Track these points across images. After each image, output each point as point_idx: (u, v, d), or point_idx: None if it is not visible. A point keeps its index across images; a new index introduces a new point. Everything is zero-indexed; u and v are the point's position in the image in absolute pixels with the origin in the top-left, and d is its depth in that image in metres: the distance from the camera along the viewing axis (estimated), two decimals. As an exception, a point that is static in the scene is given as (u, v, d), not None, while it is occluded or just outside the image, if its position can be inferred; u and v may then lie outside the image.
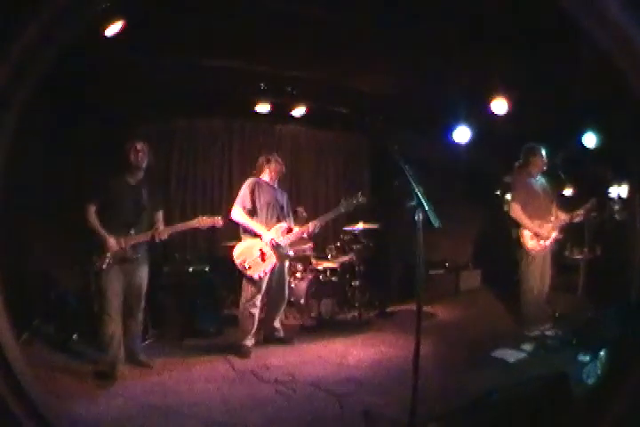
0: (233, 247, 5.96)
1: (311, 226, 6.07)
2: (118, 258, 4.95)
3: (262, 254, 5.82)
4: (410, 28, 5.50)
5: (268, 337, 6.30)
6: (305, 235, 6.22)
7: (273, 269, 5.98)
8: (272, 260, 5.87)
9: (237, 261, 5.84)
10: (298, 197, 9.08)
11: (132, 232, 5.02)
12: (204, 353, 5.88)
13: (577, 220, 6.30)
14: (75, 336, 5.88)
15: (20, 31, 1.75)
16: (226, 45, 5.91)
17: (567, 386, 3.76)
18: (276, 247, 5.88)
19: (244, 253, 5.84)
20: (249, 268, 5.79)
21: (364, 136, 9.75)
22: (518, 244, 6.24)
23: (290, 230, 6.11)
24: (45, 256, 6.22)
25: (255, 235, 5.87)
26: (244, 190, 5.97)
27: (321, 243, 8.26)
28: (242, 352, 5.80)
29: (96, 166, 6.00)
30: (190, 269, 6.99)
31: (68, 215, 5.31)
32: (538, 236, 6.13)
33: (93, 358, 5.26)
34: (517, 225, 6.22)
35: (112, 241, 4.92)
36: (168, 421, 4.14)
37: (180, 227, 5.28)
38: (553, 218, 6.24)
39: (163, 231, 5.11)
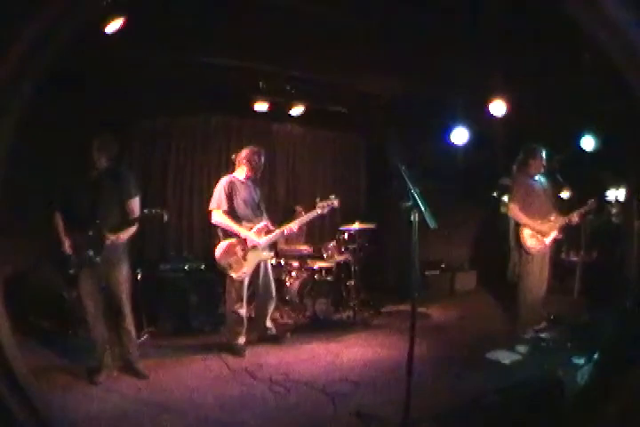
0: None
1: (290, 228, 6.06)
2: (81, 261, 4.73)
3: (244, 254, 5.79)
4: (409, 29, 5.50)
5: (261, 336, 6.28)
6: (289, 232, 6.16)
7: (257, 270, 5.96)
8: (254, 260, 5.85)
9: (219, 262, 5.82)
10: (295, 195, 9.10)
11: (91, 233, 4.69)
12: (199, 351, 5.87)
13: (575, 220, 6.29)
14: (70, 332, 5.89)
15: (20, 31, 1.74)
16: (226, 44, 5.91)
17: (561, 389, 3.77)
18: (258, 248, 5.86)
19: (226, 253, 5.80)
20: (231, 268, 5.76)
21: (362, 136, 9.76)
22: (517, 243, 6.24)
23: (269, 229, 6.07)
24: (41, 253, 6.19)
25: (236, 236, 5.83)
26: (219, 192, 5.86)
27: (317, 242, 8.25)
28: (235, 351, 5.80)
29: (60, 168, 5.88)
30: (186, 267, 6.98)
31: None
32: (539, 233, 6.12)
33: (88, 355, 5.17)
34: (517, 225, 6.21)
35: (67, 244, 4.74)
36: (162, 418, 4.13)
37: (127, 231, 4.88)
38: (553, 217, 6.23)
39: (112, 237, 4.70)
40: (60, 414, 3.80)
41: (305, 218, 6.24)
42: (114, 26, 4.89)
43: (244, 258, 5.78)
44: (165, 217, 4.85)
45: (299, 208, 7.99)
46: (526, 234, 6.14)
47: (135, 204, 4.95)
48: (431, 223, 3.63)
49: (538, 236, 6.13)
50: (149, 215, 4.84)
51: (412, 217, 3.62)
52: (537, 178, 6.31)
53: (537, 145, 6.29)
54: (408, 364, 3.67)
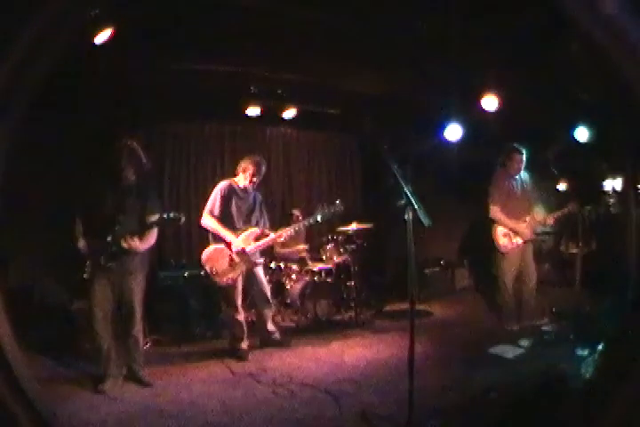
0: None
1: (283, 233, 6.06)
2: (98, 268, 4.76)
3: (231, 261, 5.78)
4: (399, 28, 5.50)
5: (264, 341, 6.28)
6: (280, 239, 6.17)
7: (249, 276, 5.96)
8: (241, 266, 5.81)
9: (205, 267, 5.82)
10: (290, 199, 9.10)
11: (109, 239, 4.75)
12: (202, 357, 5.88)
13: (549, 223, 6.35)
14: (73, 343, 5.89)
15: (20, 32, 1.74)
16: (214, 49, 5.91)
17: (565, 382, 3.77)
18: (245, 254, 5.82)
19: (212, 258, 5.80)
20: (216, 274, 5.75)
21: (355, 137, 9.76)
22: (491, 242, 6.28)
23: (262, 234, 6.04)
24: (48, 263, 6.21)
25: (224, 241, 5.82)
26: (215, 196, 5.90)
27: (315, 244, 8.25)
28: (239, 355, 5.81)
29: (86, 174, 5.89)
30: (186, 274, 6.95)
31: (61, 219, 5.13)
32: (518, 234, 6.17)
33: (92, 365, 5.19)
34: (492, 223, 6.27)
35: (84, 249, 4.78)
36: (167, 425, 4.14)
37: (151, 237, 4.99)
38: (529, 218, 6.25)
39: (132, 241, 4.76)
40: (65, 422, 3.80)
41: (301, 224, 6.26)
42: (102, 36, 4.88)
43: (230, 264, 5.77)
44: (182, 219, 4.86)
45: (296, 212, 7.99)
46: (499, 233, 6.22)
47: (154, 219, 4.96)
48: (425, 221, 3.63)
49: (510, 235, 6.20)
50: (167, 219, 4.84)
51: (405, 215, 3.62)
52: (517, 177, 6.33)
53: (515, 146, 6.31)
54: (409, 362, 3.67)
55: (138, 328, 5.05)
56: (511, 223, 6.20)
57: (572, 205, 6.30)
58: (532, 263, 6.38)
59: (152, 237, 4.99)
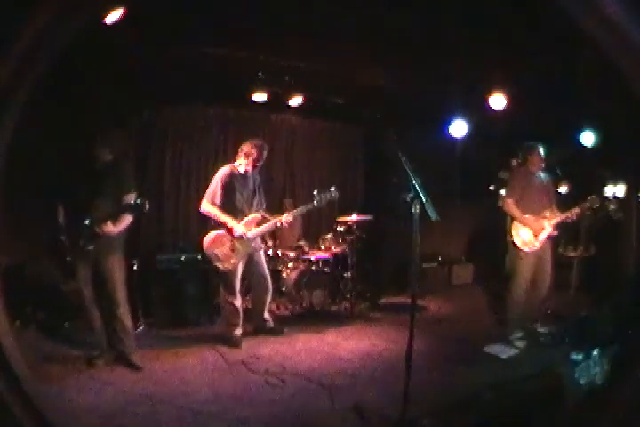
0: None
1: (283, 220, 5.97)
2: (79, 251, 4.79)
3: (232, 246, 5.73)
4: (410, 22, 5.46)
5: (258, 328, 6.27)
6: (279, 224, 6.03)
7: (250, 262, 5.93)
8: (242, 252, 5.78)
9: (207, 252, 5.79)
10: (292, 187, 9.05)
11: (87, 222, 4.70)
12: (195, 343, 5.86)
13: (573, 218, 6.20)
14: (66, 324, 5.90)
15: (20, 30, 1.70)
16: (225, 33, 5.85)
17: (560, 384, 3.75)
18: (247, 240, 5.79)
19: (214, 244, 5.76)
20: (218, 259, 5.72)
21: (360, 127, 9.70)
22: (509, 240, 6.19)
23: (264, 219, 6.01)
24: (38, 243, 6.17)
25: (226, 227, 5.77)
26: (216, 184, 5.83)
27: (314, 233, 8.21)
28: (232, 342, 5.78)
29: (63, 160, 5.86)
30: (182, 258, 6.90)
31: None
32: (530, 230, 6.07)
33: (85, 345, 5.24)
34: (511, 220, 6.17)
35: (66, 233, 4.86)
36: (158, 411, 4.11)
37: (125, 220, 4.92)
38: (547, 214, 6.16)
39: (105, 226, 4.73)
40: (56, 406, 3.77)
41: (300, 209, 6.19)
42: (113, 16, 4.82)
43: (232, 249, 5.73)
44: (147, 206, 4.70)
45: (288, 201, 7.96)
46: (519, 230, 6.08)
47: (131, 198, 4.92)
48: (432, 215, 3.60)
49: (530, 232, 6.06)
50: (134, 205, 4.73)
51: (412, 209, 3.58)
52: (537, 175, 6.25)
53: (535, 143, 6.24)
54: (407, 357, 3.64)
55: (122, 310, 5.02)
56: (522, 216, 6.08)
57: (594, 198, 6.16)
58: (548, 267, 6.18)
59: (126, 219, 4.93)
